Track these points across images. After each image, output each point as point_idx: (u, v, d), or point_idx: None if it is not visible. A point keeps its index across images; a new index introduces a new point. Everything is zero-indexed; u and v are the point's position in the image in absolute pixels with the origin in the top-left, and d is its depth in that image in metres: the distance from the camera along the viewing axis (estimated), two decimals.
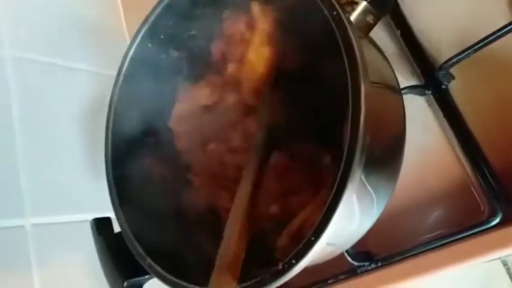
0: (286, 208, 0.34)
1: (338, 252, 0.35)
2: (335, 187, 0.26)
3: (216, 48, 0.41)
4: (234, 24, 0.39)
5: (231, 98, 0.40)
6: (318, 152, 0.35)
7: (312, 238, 0.26)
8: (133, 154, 0.41)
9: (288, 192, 0.35)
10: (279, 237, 0.33)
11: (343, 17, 0.25)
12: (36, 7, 0.55)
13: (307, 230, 0.26)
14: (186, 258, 0.37)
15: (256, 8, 0.37)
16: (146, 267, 0.35)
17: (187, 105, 0.43)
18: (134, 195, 0.40)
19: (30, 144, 0.48)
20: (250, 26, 0.37)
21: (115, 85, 0.41)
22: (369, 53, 0.33)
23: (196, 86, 0.42)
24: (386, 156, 0.34)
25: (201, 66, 0.42)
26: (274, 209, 0.34)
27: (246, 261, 0.31)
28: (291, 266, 0.27)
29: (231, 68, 0.39)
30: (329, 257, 0.35)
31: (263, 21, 0.36)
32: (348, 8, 0.28)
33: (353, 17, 0.28)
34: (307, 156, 0.35)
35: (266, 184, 0.35)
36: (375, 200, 0.33)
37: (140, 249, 0.36)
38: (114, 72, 0.41)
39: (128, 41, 0.41)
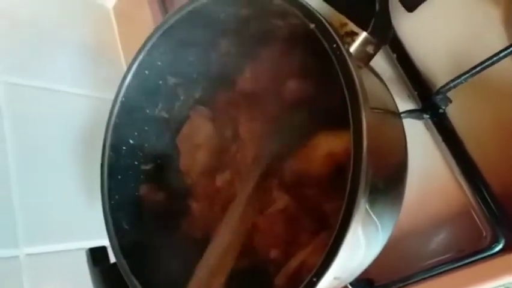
0: (286, 250, 0.34)
1: (341, 285, 0.34)
2: (340, 218, 0.26)
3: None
4: None
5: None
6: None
7: (314, 279, 0.25)
8: (129, 181, 0.41)
9: (289, 235, 0.34)
10: (277, 276, 0.32)
11: (343, 50, 0.25)
12: (28, 31, 0.54)
13: (306, 271, 0.25)
14: None
15: None
16: None
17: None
18: (131, 224, 0.39)
19: (23, 172, 0.48)
20: None
21: (111, 111, 0.40)
22: (369, 81, 0.33)
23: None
24: (389, 183, 0.33)
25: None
26: (274, 253, 0.34)
27: None
28: None
29: None
30: None
31: None
32: (348, 39, 0.27)
33: (353, 48, 0.28)
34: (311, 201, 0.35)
35: (268, 227, 0.34)
36: (379, 228, 0.32)
37: (135, 281, 0.36)
38: (109, 97, 0.40)
39: (124, 64, 0.41)
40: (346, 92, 0.25)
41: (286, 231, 0.34)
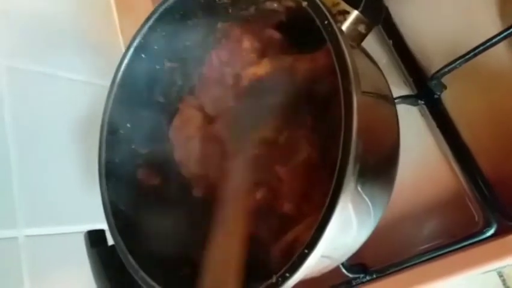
0: (299, 205, 0.34)
1: (333, 265, 0.35)
2: (330, 194, 0.26)
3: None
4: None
5: None
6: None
7: (306, 250, 0.25)
8: (127, 166, 0.41)
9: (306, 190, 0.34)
10: (272, 249, 0.32)
11: (334, 27, 0.25)
12: (30, 17, 0.55)
13: (299, 246, 0.26)
14: (180, 272, 0.37)
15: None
16: (139, 280, 0.35)
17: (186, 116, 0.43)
18: (128, 207, 0.39)
19: (23, 154, 0.48)
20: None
21: (108, 95, 0.41)
22: (362, 63, 0.33)
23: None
24: (380, 165, 0.34)
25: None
26: (287, 207, 0.34)
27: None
28: (284, 279, 0.27)
29: None
30: (325, 271, 0.35)
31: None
32: (340, 18, 0.28)
33: (345, 26, 0.28)
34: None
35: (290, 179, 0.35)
36: (371, 209, 0.33)
37: (133, 262, 0.36)
38: (108, 83, 0.41)
39: (123, 51, 0.41)
40: (337, 68, 0.25)
41: (302, 184, 0.34)
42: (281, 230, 0.33)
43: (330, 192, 0.26)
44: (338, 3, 0.28)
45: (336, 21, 0.26)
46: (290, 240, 0.32)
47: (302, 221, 0.32)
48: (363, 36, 0.29)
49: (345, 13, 0.28)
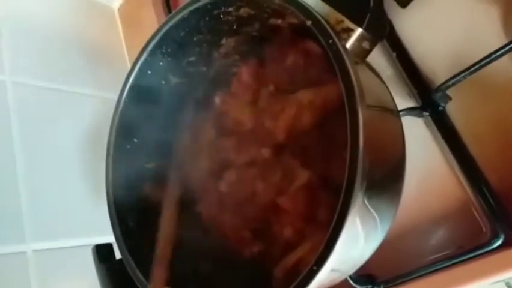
0: (300, 229, 0.34)
1: (342, 278, 0.35)
2: (338, 211, 0.26)
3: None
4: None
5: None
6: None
7: (315, 267, 0.25)
8: (134, 180, 0.41)
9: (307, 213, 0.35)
10: (276, 268, 0.32)
11: (339, 46, 0.26)
12: (36, 32, 0.55)
13: (303, 266, 0.26)
14: (190, 285, 0.37)
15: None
16: None
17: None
18: (136, 222, 0.40)
19: (30, 169, 0.48)
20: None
21: (115, 111, 0.41)
22: (366, 77, 0.33)
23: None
24: (387, 178, 0.34)
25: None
26: (288, 232, 0.34)
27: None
28: None
29: None
30: (333, 283, 0.35)
31: None
32: (344, 36, 0.28)
33: (349, 44, 0.28)
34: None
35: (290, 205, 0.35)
36: (378, 222, 0.33)
37: (141, 276, 0.36)
38: (114, 97, 0.41)
39: (129, 65, 0.42)
40: (342, 87, 0.26)
41: (304, 208, 0.35)
42: (284, 252, 0.33)
43: (338, 208, 0.26)
44: (341, 21, 0.28)
45: (340, 40, 0.26)
46: (294, 261, 0.32)
47: (305, 242, 0.32)
48: (367, 52, 0.30)
49: (349, 31, 0.28)
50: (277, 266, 0.33)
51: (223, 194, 0.41)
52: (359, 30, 0.28)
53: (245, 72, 0.40)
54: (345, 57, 0.26)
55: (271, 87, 0.38)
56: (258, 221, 0.38)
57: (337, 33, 0.26)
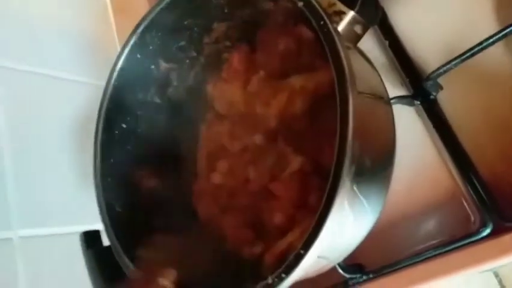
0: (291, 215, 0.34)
1: (330, 266, 0.35)
2: (326, 194, 0.26)
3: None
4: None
5: None
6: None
7: (302, 251, 0.25)
8: (122, 166, 0.41)
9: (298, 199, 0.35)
10: (266, 254, 0.32)
11: (330, 28, 0.25)
12: (24, 17, 0.54)
13: (293, 251, 0.26)
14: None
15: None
16: None
17: None
18: (124, 208, 0.39)
19: (17, 155, 0.48)
20: None
21: (103, 96, 0.41)
22: (358, 63, 0.33)
23: None
24: (376, 165, 0.34)
25: None
26: (278, 218, 0.34)
27: (237, 274, 0.31)
28: (280, 279, 0.27)
29: None
30: (321, 271, 0.35)
31: None
32: (336, 18, 0.28)
33: (341, 27, 0.28)
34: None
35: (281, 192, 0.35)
36: (367, 208, 0.33)
37: (129, 263, 0.36)
38: (104, 83, 0.41)
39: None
40: (333, 69, 0.25)
41: (296, 194, 0.35)
42: (275, 238, 0.33)
43: (326, 192, 0.26)
44: (333, 4, 0.28)
45: (332, 22, 0.26)
46: (284, 247, 0.32)
47: (296, 228, 0.32)
48: (359, 37, 0.29)
49: (341, 13, 0.28)
50: (267, 252, 0.32)
51: (217, 186, 0.40)
52: (350, 13, 0.28)
53: (236, 58, 0.40)
54: (336, 39, 0.25)
55: (262, 73, 0.38)
56: (251, 210, 0.37)
57: (329, 15, 0.26)
